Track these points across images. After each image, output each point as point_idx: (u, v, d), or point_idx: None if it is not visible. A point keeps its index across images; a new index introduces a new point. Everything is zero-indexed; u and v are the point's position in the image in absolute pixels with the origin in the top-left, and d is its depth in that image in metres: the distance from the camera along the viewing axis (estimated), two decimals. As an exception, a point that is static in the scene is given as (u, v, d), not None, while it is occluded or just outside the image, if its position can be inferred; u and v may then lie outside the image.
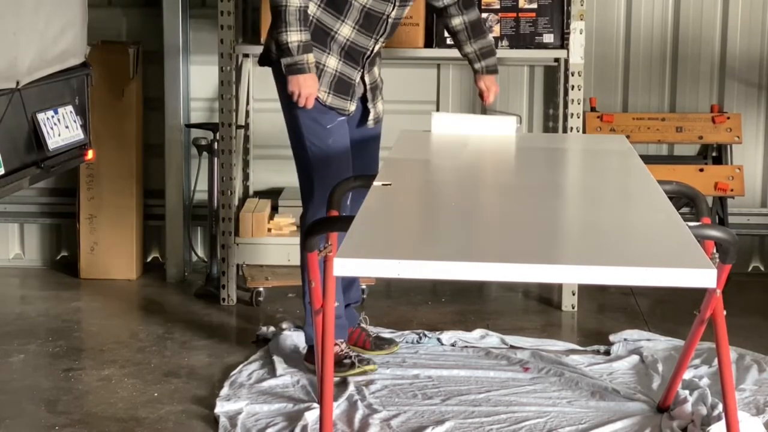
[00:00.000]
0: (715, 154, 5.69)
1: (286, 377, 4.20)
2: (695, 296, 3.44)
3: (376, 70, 4.37)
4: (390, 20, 4.20)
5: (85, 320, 5.07)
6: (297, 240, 4.67)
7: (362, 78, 4.28)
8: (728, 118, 5.59)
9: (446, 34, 4.70)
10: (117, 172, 5.53)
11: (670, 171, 5.42)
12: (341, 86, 4.21)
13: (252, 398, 4.01)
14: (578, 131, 5.07)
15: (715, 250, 3.40)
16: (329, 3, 4.14)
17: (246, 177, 5.67)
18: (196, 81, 5.72)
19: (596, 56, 5.67)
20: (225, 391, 4.09)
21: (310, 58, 4.08)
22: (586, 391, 4.10)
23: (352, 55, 4.20)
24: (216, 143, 5.26)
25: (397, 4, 4.18)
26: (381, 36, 4.22)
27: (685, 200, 4.86)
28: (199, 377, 4.28)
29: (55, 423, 3.85)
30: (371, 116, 4.34)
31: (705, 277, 2.34)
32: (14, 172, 4.07)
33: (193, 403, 4.03)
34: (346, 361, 4.24)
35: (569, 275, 2.47)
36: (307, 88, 4.08)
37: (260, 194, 5.68)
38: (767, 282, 5.69)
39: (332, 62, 4.18)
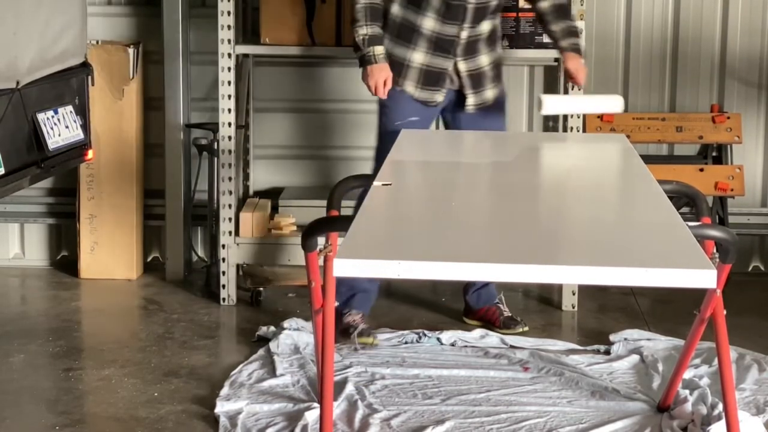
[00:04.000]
0: (715, 154, 5.69)
1: (286, 377, 4.20)
2: (695, 296, 3.44)
3: (482, 58, 4.53)
4: (470, 6, 4.38)
5: (85, 320, 5.07)
6: (297, 240, 4.67)
7: (456, 66, 4.47)
8: (728, 117, 5.59)
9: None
10: (117, 172, 5.53)
11: (670, 171, 5.42)
12: (430, 78, 4.49)
13: (252, 398, 4.01)
14: (578, 131, 5.08)
15: (715, 250, 3.40)
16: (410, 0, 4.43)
17: (246, 177, 5.67)
18: (196, 81, 5.72)
19: (596, 56, 5.67)
20: (225, 390, 4.09)
21: (377, 49, 4.40)
22: (586, 391, 4.10)
23: (441, 45, 4.45)
24: (216, 143, 5.26)
25: None
26: (466, 23, 4.41)
27: (685, 200, 4.86)
28: (199, 377, 4.29)
29: (55, 423, 3.85)
30: (469, 102, 4.53)
31: (705, 277, 2.34)
32: (14, 172, 4.08)
33: (193, 403, 4.03)
34: (351, 330, 4.50)
35: (569, 275, 2.47)
36: (374, 78, 4.42)
37: (260, 194, 5.68)
38: (767, 282, 5.69)
39: (418, 57, 4.45)
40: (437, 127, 5.05)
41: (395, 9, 4.46)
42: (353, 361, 4.35)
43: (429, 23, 4.41)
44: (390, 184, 3.17)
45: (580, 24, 4.99)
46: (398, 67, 4.48)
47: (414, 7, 4.43)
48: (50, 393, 4.13)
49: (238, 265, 5.23)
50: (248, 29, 5.57)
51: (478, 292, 4.84)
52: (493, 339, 4.66)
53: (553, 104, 4.27)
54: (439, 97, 4.51)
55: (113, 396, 4.09)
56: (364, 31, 4.40)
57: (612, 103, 4.29)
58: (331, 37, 5.11)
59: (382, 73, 4.42)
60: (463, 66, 4.50)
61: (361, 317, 4.58)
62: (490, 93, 4.59)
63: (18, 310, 5.16)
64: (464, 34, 4.44)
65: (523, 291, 5.44)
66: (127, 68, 5.48)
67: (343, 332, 4.45)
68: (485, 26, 4.51)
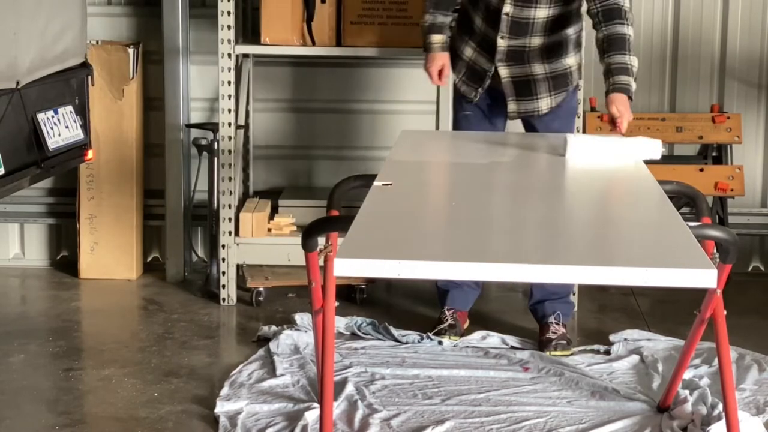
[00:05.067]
0: (715, 154, 5.69)
1: (286, 377, 4.20)
2: (695, 296, 3.44)
3: (535, 67, 4.42)
4: (505, 17, 4.32)
5: (85, 320, 5.07)
6: (297, 240, 4.67)
7: (496, 71, 4.44)
8: (728, 118, 5.59)
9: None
10: (117, 172, 5.53)
11: (670, 171, 5.42)
12: (473, 74, 4.50)
13: (252, 398, 4.01)
14: (578, 131, 5.07)
15: (715, 250, 3.40)
16: None
17: (246, 177, 5.67)
18: (196, 81, 5.72)
19: (596, 56, 5.65)
20: (225, 391, 4.09)
21: (435, 38, 4.43)
22: (586, 391, 4.10)
23: (485, 46, 4.44)
24: (216, 143, 5.26)
25: (509, 2, 4.28)
26: (501, 32, 4.35)
27: (685, 200, 4.86)
28: (199, 377, 4.29)
29: (55, 423, 3.85)
30: (510, 108, 4.50)
31: (705, 277, 2.34)
32: (14, 172, 4.07)
33: (193, 403, 4.03)
34: (441, 326, 4.66)
35: (569, 275, 2.47)
36: (427, 66, 4.44)
37: (260, 194, 5.68)
38: (767, 282, 5.70)
39: (468, 51, 4.48)
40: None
41: (464, 1, 4.50)
42: (353, 361, 4.35)
43: (478, 22, 4.44)
44: (390, 184, 3.17)
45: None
46: (454, 57, 4.53)
47: (472, 3, 4.46)
48: (50, 393, 4.13)
49: (237, 265, 5.23)
50: (248, 29, 5.57)
51: (534, 307, 4.76)
52: (494, 339, 4.66)
53: (579, 148, 3.78)
54: (476, 95, 4.51)
55: (113, 396, 4.09)
56: (426, 18, 4.46)
57: (649, 149, 3.79)
58: (331, 37, 5.11)
59: (435, 62, 4.43)
60: (504, 71, 4.43)
61: (452, 317, 4.69)
62: (544, 102, 4.48)
63: (18, 310, 5.16)
64: (503, 43, 4.36)
65: (523, 291, 5.43)
66: (127, 68, 5.48)
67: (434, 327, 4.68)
68: (536, 40, 4.37)
